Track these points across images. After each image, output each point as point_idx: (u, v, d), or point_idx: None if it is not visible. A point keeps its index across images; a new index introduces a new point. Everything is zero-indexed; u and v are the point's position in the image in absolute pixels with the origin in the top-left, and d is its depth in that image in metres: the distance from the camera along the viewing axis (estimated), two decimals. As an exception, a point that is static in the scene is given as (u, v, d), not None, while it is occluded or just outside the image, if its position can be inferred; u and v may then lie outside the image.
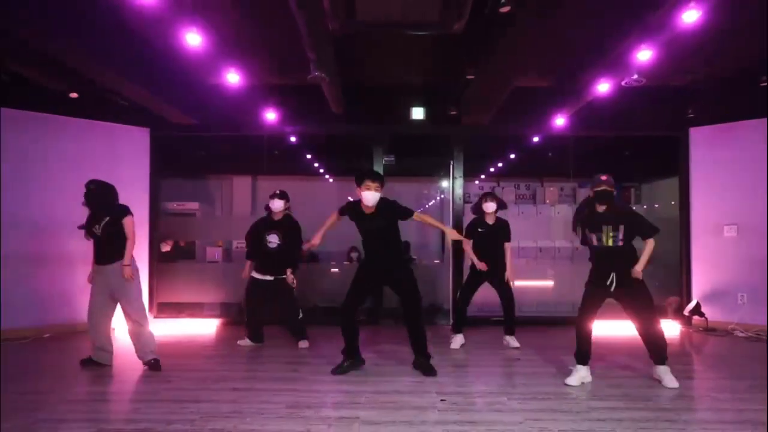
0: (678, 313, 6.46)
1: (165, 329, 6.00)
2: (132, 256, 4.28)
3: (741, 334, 5.88)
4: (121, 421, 3.20)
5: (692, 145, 6.54)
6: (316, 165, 9.28)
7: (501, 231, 5.20)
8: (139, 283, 4.41)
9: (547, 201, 8.29)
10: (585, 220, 3.94)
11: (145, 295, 5.52)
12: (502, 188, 8.37)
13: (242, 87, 5.20)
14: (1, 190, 5.52)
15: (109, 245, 4.22)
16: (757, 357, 4.85)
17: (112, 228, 4.21)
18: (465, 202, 6.82)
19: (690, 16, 3.62)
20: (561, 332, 5.73)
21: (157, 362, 4.29)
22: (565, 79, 5.83)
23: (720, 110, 6.32)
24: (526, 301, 6.69)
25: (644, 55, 4.25)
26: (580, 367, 3.95)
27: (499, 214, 5.24)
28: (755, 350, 5.18)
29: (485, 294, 5.33)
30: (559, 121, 6.25)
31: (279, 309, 5.32)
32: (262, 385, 3.89)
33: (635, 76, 4.49)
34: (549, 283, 6.94)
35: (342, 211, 4.25)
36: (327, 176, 9.81)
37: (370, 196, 3.98)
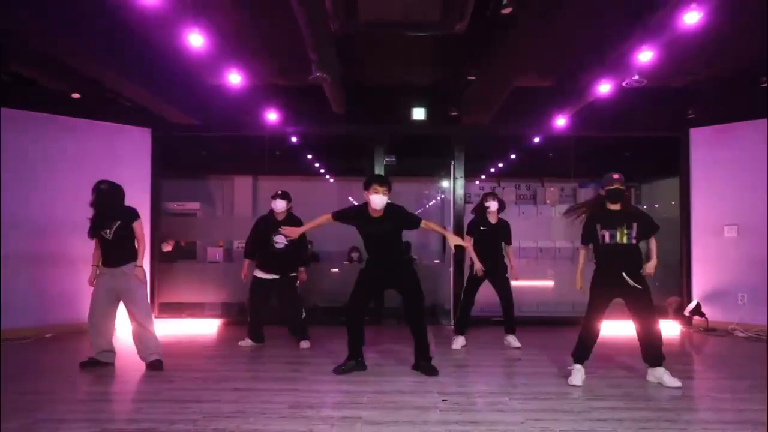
0: (678, 313, 6.47)
1: (166, 329, 6.00)
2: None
3: (741, 335, 5.89)
4: (123, 421, 3.20)
5: (692, 146, 6.56)
6: (317, 165, 9.30)
7: (502, 231, 5.23)
8: (146, 284, 4.42)
9: (548, 201, 8.31)
10: (597, 218, 3.94)
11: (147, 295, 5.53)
12: (503, 188, 8.39)
13: (243, 87, 5.21)
14: (1, 190, 5.53)
15: (119, 248, 4.24)
16: (757, 357, 4.86)
17: (122, 231, 4.23)
18: (466, 202, 6.84)
19: (691, 18, 3.63)
20: (561, 332, 5.74)
21: (159, 362, 4.29)
22: (565, 80, 5.84)
23: (720, 111, 6.33)
24: (527, 301, 6.70)
25: (645, 56, 4.26)
26: (579, 366, 3.96)
27: (500, 214, 5.27)
28: (755, 350, 5.19)
29: (486, 294, 5.34)
30: (560, 121, 6.26)
31: (281, 308, 5.31)
32: (263, 385, 3.90)
33: (636, 77, 4.51)
34: (549, 284, 6.95)
35: (337, 216, 4.19)
36: (328, 176, 9.83)
37: (378, 200, 4.00)
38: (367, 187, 4.05)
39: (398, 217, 4.13)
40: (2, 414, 3.19)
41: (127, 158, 6.33)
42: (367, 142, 6.75)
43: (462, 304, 5.30)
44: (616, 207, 3.89)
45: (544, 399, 3.57)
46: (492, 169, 9.08)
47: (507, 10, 3.48)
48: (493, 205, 5.14)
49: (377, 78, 6.32)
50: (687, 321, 6.36)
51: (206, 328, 6.35)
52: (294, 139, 7.27)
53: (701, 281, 6.44)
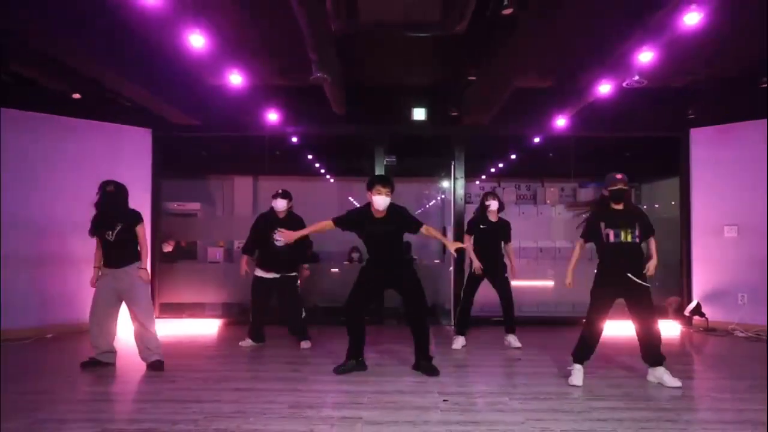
0: (678, 313, 6.48)
1: (167, 329, 6.00)
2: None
3: (741, 335, 5.90)
4: (124, 422, 3.21)
5: (693, 146, 6.56)
6: (317, 165, 9.30)
7: (502, 230, 5.25)
8: (149, 285, 4.42)
9: (548, 201, 8.31)
10: (601, 216, 3.94)
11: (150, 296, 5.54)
12: (503, 188, 8.40)
13: (244, 87, 5.21)
14: (1, 190, 5.53)
15: (121, 249, 4.24)
16: (757, 357, 4.87)
17: (125, 234, 4.24)
18: (466, 202, 6.84)
19: (691, 19, 3.63)
20: (562, 332, 5.75)
21: (160, 363, 4.30)
22: (566, 80, 5.84)
23: (720, 111, 6.33)
24: (527, 301, 6.71)
25: (645, 56, 4.26)
26: (579, 366, 3.96)
27: (500, 214, 5.28)
28: (755, 350, 5.19)
29: (486, 294, 5.35)
30: (560, 121, 6.26)
31: (281, 308, 5.31)
32: (264, 385, 3.91)
33: (636, 78, 4.51)
34: (549, 284, 6.95)
35: (338, 223, 4.19)
36: (328, 176, 9.84)
37: (381, 201, 4.03)
38: (370, 187, 4.07)
39: (400, 218, 4.15)
40: (3, 414, 3.20)
41: (127, 158, 6.33)
42: (368, 142, 6.76)
43: (462, 304, 5.31)
44: (619, 207, 3.91)
45: (545, 399, 3.58)
46: (492, 170, 9.09)
47: (508, 11, 3.48)
48: (493, 204, 5.17)
49: (377, 78, 6.33)
50: (687, 321, 6.37)
51: (207, 328, 6.36)
52: (294, 139, 7.28)
53: (701, 281, 6.44)
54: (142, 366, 4.35)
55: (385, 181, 4.07)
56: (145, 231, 4.38)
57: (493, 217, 5.21)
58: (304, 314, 5.26)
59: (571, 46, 5.08)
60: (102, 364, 4.34)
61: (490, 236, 5.20)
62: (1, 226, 5.52)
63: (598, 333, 3.95)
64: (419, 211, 9.86)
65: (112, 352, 4.40)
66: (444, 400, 3.53)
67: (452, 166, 6.74)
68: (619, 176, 3.87)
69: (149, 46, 5.01)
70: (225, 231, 7.66)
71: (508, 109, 6.11)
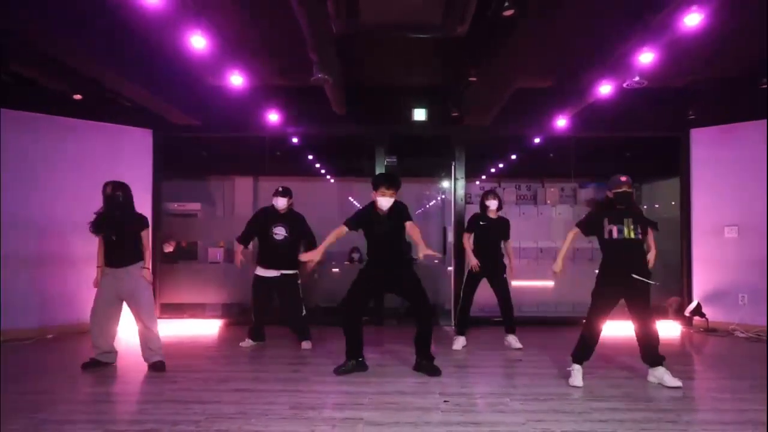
0: (679, 313, 6.48)
1: (168, 330, 6.01)
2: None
3: (741, 335, 5.90)
4: (125, 422, 3.21)
5: (693, 146, 6.56)
6: (317, 166, 9.30)
7: (502, 227, 5.26)
8: (151, 286, 4.42)
9: (548, 201, 8.30)
10: (605, 213, 3.95)
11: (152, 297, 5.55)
12: (503, 188, 8.39)
13: (244, 88, 5.21)
14: (1, 190, 5.53)
15: (124, 249, 4.25)
16: (757, 357, 4.87)
17: (129, 235, 4.26)
18: (466, 202, 6.84)
19: (692, 20, 3.63)
20: (562, 332, 5.75)
21: (161, 364, 4.30)
22: (566, 81, 5.84)
23: (721, 111, 6.34)
24: (527, 302, 6.71)
25: (646, 57, 4.26)
26: (578, 366, 3.97)
27: (500, 212, 5.31)
28: (756, 351, 5.20)
29: (487, 294, 5.35)
30: (561, 122, 6.26)
31: (281, 307, 5.31)
32: (265, 386, 3.91)
33: (637, 78, 4.51)
34: (550, 284, 6.95)
35: (351, 225, 4.20)
36: (328, 177, 9.84)
37: (385, 202, 4.08)
38: (375, 188, 4.11)
39: (399, 213, 4.17)
40: (3, 415, 3.20)
41: (127, 159, 6.33)
42: (368, 143, 6.76)
43: (461, 303, 5.32)
44: (622, 206, 3.93)
45: (545, 400, 3.59)
46: (492, 170, 9.09)
47: (508, 12, 3.48)
48: (492, 203, 5.19)
49: (378, 78, 6.33)
50: (687, 321, 6.37)
51: (207, 328, 6.36)
52: (295, 140, 7.28)
53: (702, 282, 6.44)
54: (143, 366, 4.36)
55: (390, 183, 4.10)
56: (149, 235, 4.42)
57: (492, 215, 5.23)
58: (304, 312, 5.25)
59: (571, 47, 5.08)
60: (102, 365, 4.35)
61: (489, 233, 5.22)
62: (1, 226, 5.52)
63: (598, 333, 3.95)
64: (419, 211, 9.86)
65: (113, 352, 4.41)
66: (445, 401, 3.54)
67: (452, 167, 6.74)
68: (623, 178, 3.90)
69: (149, 46, 5.01)
70: (225, 231, 7.63)
71: (509, 110, 6.11)
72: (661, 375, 3.90)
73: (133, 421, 3.21)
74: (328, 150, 8.66)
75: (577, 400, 3.59)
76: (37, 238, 5.73)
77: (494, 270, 5.21)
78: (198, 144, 7.73)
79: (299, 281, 5.24)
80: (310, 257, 4.19)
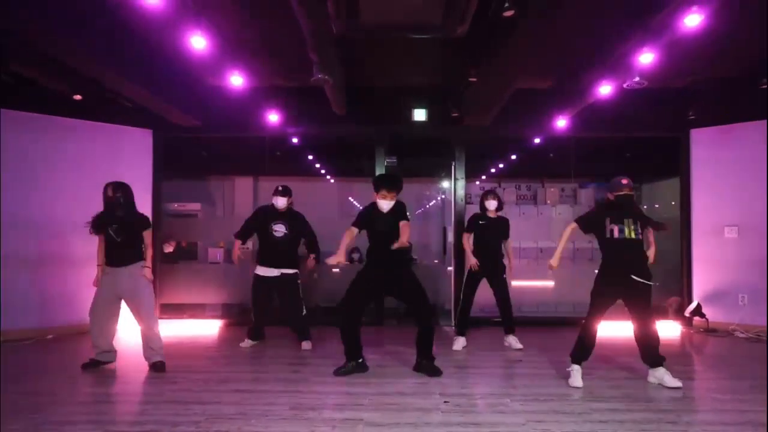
0: (679, 313, 6.48)
1: (168, 330, 6.01)
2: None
3: (742, 335, 5.90)
4: (125, 423, 3.21)
5: (693, 147, 6.56)
6: (317, 166, 9.30)
7: (501, 226, 5.26)
8: (151, 285, 4.42)
9: (548, 201, 8.30)
10: (607, 212, 3.96)
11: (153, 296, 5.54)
12: (503, 189, 8.39)
13: (244, 88, 5.21)
14: (1, 190, 5.53)
15: (125, 248, 4.26)
16: (757, 358, 4.88)
17: (131, 235, 4.27)
18: (466, 203, 6.84)
19: (692, 20, 3.63)
20: (562, 333, 5.75)
21: (162, 364, 4.31)
22: (566, 81, 5.84)
23: (721, 112, 6.34)
24: (527, 302, 6.71)
25: (646, 58, 4.26)
26: (578, 366, 3.98)
27: (499, 212, 5.32)
28: (756, 351, 5.20)
29: (487, 295, 5.35)
30: (561, 122, 6.26)
31: (281, 307, 5.30)
32: (265, 386, 3.91)
33: (637, 79, 4.51)
34: (550, 284, 6.95)
35: (357, 225, 4.23)
36: (328, 177, 9.84)
37: (385, 205, 4.13)
38: (376, 190, 4.16)
39: (397, 213, 4.19)
40: (4, 415, 3.20)
41: (127, 159, 6.33)
42: (368, 143, 6.76)
43: (461, 304, 5.32)
44: (623, 209, 3.94)
45: (545, 400, 3.59)
46: (492, 170, 9.09)
47: (508, 13, 3.48)
48: (491, 204, 5.21)
49: (378, 78, 6.33)
50: (687, 322, 6.37)
51: (207, 329, 6.37)
52: (295, 140, 7.28)
53: (702, 282, 6.45)
54: (143, 367, 4.36)
55: (391, 186, 4.13)
56: (152, 235, 4.43)
57: (492, 215, 5.24)
58: (304, 311, 5.25)
59: (571, 47, 5.08)
60: (102, 364, 4.35)
61: (489, 233, 5.22)
62: (1, 226, 5.52)
63: (594, 333, 3.96)
64: (419, 211, 9.87)
65: (112, 351, 4.41)
66: (445, 402, 3.54)
67: (452, 167, 6.74)
68: (624, 181, 3.91)
69: (149, 46, 5.01)
70: (225, 232, 7.61)
71: (509, 110, 6.11)
72: (661, 375, 3.90)
73: (133, 422, 3.21)
74: (328, 150, 8.66)
75: (577, 401, 3.59)
76: (37, 238, 5.73)
77: (494, 270, 5.22)
78: (198, 144, 7.73)
79: (299, 281, 5.24)
80: (335, 260, 4.15)
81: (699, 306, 6.28)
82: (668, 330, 6.16)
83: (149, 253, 4.39)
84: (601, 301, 3.94)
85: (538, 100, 6.33)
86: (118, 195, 4.22)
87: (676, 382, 3.82)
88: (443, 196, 9.33)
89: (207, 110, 6.32)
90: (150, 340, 4.31)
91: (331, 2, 3.97)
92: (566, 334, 5.20)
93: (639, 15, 4.04)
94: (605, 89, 5.09)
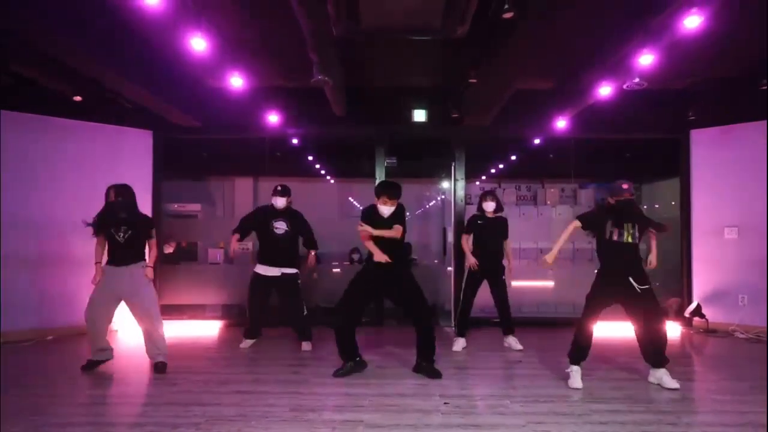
0: (679, 314, 6.48)
1: (167, 331, 5.98)
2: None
3: (742, 336, 5.90)
4: (125, 425, 3.22)
5: (693, 147, 6.57)
6: (317, 166, 9.30)
7: (500, 226, 5.26)
8: (152, 283, 4.41)
9: (548, 202, 8.30)
10: (610, 214, 3.96)
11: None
12: (503, 189, 8.39)
13: (244, 89, 5.21)
14: (1, 191, 5.53)
15: (128, 248, 4.26)
16: (757, 358, 4.88)
17: (135, 236, 4.28)
18: (466, 203, 6.84)
19: (691, 22, 3.63)
20: (562, 333, 5.73)
21: (163, 365, 4.31)
22: (566, 82, 5.84)
23: (721, 112, 6.34)
24: (527, 302, 6.71)
25: (646, 59, 4.26)
26: (576, 367, 3.98)
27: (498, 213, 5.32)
28: (756, 351, 5.20)
29: (488, 295, 5.34)
30: (561, 123, 6.27)
31: (282, 307, 5.30)
32: (265, 387, 3.91)
33: (637, 80, 4.51)
34: (550, 284, 6.95)
35: (364, 222, 4.26)
36: (328, 177, 9.84)
37: (386, 210, 4.18)
38: (377, 196, 4.21)
39: (396, 216, 4.22)
40: (4, 417, 3.20)
41: (128, 160, 6.33)
42: (368, 144, 6.76)
43: (461, 305, 5.32)
44: (624, 212, 3.94)
45: (546, 402, 3.59)
46: (492, 170, 9.09)
47: (508, 15, 3.48)
48: (489, 206, 5.20)
49: (378, 79, 6.33)
50: (687, 322, 6.37)
51: (207, 329, 6.36)
52: (295, 141, 7.28)
53: (702, 282, 6.45)
54: (143, 368, 4.36)
55: (391, 193, 4.17)
56: (155, 236, 4.46)
57: (490, 215, 5.24)
58: (305, 311, 5.25)
59: (571, 48, 5.08)
60: (100, 363, 4.34)
61: (488, 233, 5.22)
62: (1, 227, 5.52)
63: (589, 333, 3.97)
64: (419, 211, 9.87)
65: (109, 349, 4.38)
66: (445, 403, 3.54)
67: (452, 167, 6.74)
68: (625, 186, 3.92)
69: (150, 46, 5.01)
70: (225, 232, 7.57)
71: (509, 111, 6.12)
72: (660, 376, 3.91)
73: (133, 424, 3.21)
74: (328, 151, 8.67)
75: (577, 402, 3.59)
76: (37, 238, 5.73)
77: (494, 270, 5.21)
78: (198, 145, 7.73)
79: (299, 281, 5.25)
80: (383, 259, 4.11)
81: (699, 306, 6.28)
82: (668, 331, 6.15)
83: (153, 253, 4.40)
84: (597, 302, 3.95)
85: (538, 101, 6.33)
86: (121, 197, 4.22)
87: (674, 384, 3.82)
88: (443, 197, 9.33)
89: (207, 111, 6.32)
90: (155, 340, 4.31)
91: (331, 4, 3.97)
92: (566, 334, 5.18)
93: (639, 16, 4.05)
94: (605, 90, 5.09)
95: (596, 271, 4.08)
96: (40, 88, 5.57)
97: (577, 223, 4.08)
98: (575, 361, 3.99)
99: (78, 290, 5.52)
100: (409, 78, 6.31)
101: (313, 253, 5.37)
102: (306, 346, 5.18)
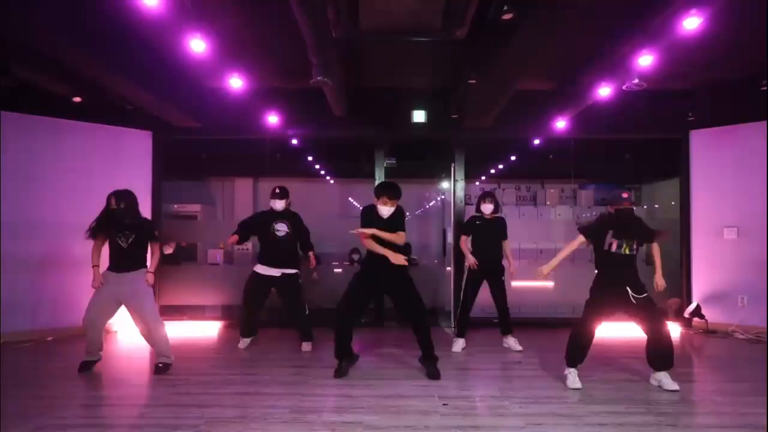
0: (678, 315, 6.48)
1: (167, 332, 6.00)
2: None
3: (741, 336, 5.90)
4: (125, 427, 3.22)
5: (693, 148, 6.57)
6: (317, 167, 9.31)
7: (498, 226, 5.27)
8: (151, 289, 4.41)
9: (548, 203, 8.30)
10: (611, 225, 3.97)
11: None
12: (503, 190, 8.39)
13: (244, 90, 5.22)
14: (1, 192, 5.54)
15: (132, 255, 4.27)
16: (757, 359, 4.88)
17: (138, 241, 4.29)
18: (466, 204, 6.84)
19: (691, 23, 3.64)
20: (562, 334, 5.72)
21: (166, 366, 4.31)
22: (566, 83, 5.84)
23: (720, 113, 6.34)
24: (527, 303, 6.70)
25: (645, 60, 4.26)
26: (574, 370, 3.99)
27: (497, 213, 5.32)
28: (755, 352, 5.20)
29: (488, 296, 5.34)
30: (560, 123, 6.27)
31: (284, 307, 5.29)
32: (265, 389, 3.91)
33: (636, 81, 4.51)
34: (549, 285, 6.94)
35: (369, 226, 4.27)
36: (328, 178, 9.85)
37: (385, 211, 4.18)
38: (377, 197, 4.21)
39: (394, 221, 4.22)
40: (4, 418, 3.20)
41: (127, 160, 6.34)
42: (368, 145, 6.76)
43: (462, 306, 5.32)
44: (624, 223, 3.96)
45: (545, 403, 3.59)
46: (492, 171, 9.10)
47: (507, 16, 3.49)
48: (487, 208, 5.20)
49: (378, 80, 6.33)
50: (687, 323, 6.38)
51: (207, 330, 6.37)
52: (294, 141, 7.28)
53: (701, 283, 6.45)
54: (143, 369, 4.37)
55: (391, 194, 4.17)
56: (159, 237, 4.47)
57: (488, 216, 5.23)
58: (307, 311, 5.26)
59: (570, 49, 5.08)
60: (95, 362, 4.36)
61: (486, 233, 5.22)
62: (0, 228, 5.53)
63: (591, 337, 3.97)
64: (419, 212, 9.87)
65: (101, 350, 4.39)
66: (444, 404, 3.54)
67: (452, 168, 6.74)
68: (625, 195, 3.94)
69: (150, 48, 5.01)
70: (225, 233, 7.59)
71: (509, 111, 6.11)
72: (660, 378, 3.92)
73: (132, 425, 3.22)
74: (328, 151, 8.67)
75: (577, 404, 3.59)
76: (36, 240, 5.73)
77: (494, 271, 5.21)
78: (198, 145, 7.73)
79: (300, 280, 5.25)
80: (399, 261, 4.12)
81: (698, 307, 6.29)
82: (671, 333, 6.15)
83: (156, 256, 4.42)
84: (596, 310, 3.96)
85: (538, 101, 6.34)
86: (123, 203, 4.20)
87: (673, 386, 3.83)
88: (443, 197, 9.33)
89: (207, 112, 6.32)
90: (155, 342, 4.32)
91: (331, 6, 3.97)
92: (566, 335, 5.20)
93: (638, 17, 4.05)
94: (605, 91, 5.09)
95: (594, 278, 4.08)
96: (40, 89, 5.57)
97: (581, 239, 4.09)
98: (571, 363, 4.00)
99: (78, 291, 5.53)
100: (409, 78, 6.31)
101: (312, 254, 5.38)
102: (306, 346, 5.18)
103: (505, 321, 5.27)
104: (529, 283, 6.76)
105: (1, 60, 5.02)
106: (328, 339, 5.44)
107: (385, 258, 4.15)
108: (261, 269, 5.16)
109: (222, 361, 4.90)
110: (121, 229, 4.22)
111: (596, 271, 4.07)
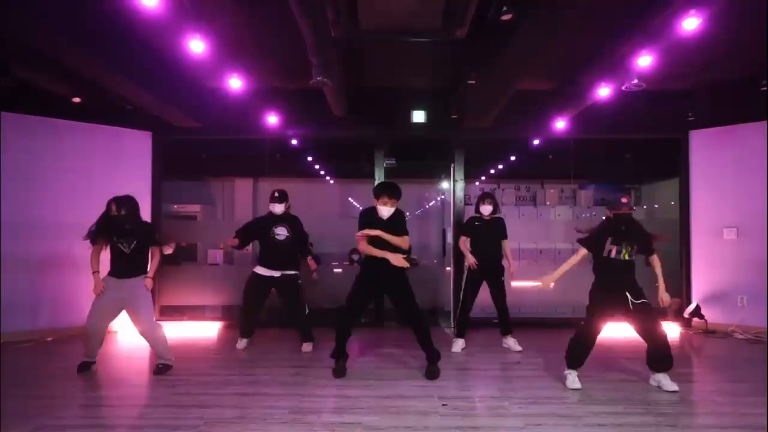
0: (678, 315, 6.48)
1: (167, 332, 6.00)
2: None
3: (741, 337, 5.90)
4: (125, 427, 3.22)
5: (692, 148, 6.57)
6: (317, 167, 9.31)
7: (497, 226, 5.26)
8: (150, 293, 4.40)
9: (548, 203, 8.31)
10: (610, 232, 3.97)
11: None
12: (503, 190, 8.39)
13: (244, 90, 5.22)
14: (1, 192, 5.54)
15: (134, 261, 4.28)
16: (757, 359, 4.88)
17: (140, 247, 4.29)
18: (466, 204, 6.84)
19: (690, 23, 3.64)
20: (561, 334, 5.73)
21: (166, 367, 4.32)
22: (565, 83, 5.84)
23: (720, 113, 6.34)
24: (527, 303, 6.70)
25: (645, 60, 4.26)
26: (574, 371, 3.99)
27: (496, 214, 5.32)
28: (755, 352, 5.20)
29: (488, 296, 5.34)
30: (560, 124, 6.27)
31: (284, 308, 5.29)
32: (265, 389, 3.91)
33: (636, 81, 4.51)
34: (549, 285, 6.93)
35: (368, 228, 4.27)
36: (328, 178, 9.85)
37: (385, 211, 4.18)
38: (377, 197, 4.20)
39: (395, 223, 4.22)
40: (4, 419, 3.21)
41: (127, 161, 6.34)
42: (368, 145, 6.76)
43: (462, 306, 5.32)
44: (623, 227, 3.96)
45: (544, 403, 3.59)
46: (492, 171, 9.10)
47: (507, 16, 3.49)
48: (486, 209, 5.20)
49: (377, 80, 6.33)
50: (686, 323, 6.37)
51: (207, 330, 6.37)
52: (294, 141, 7.28)
53: (701, 283, 6.45)
54: (143, 370, 4.37)
55: (391, 194, 4.17)
56: (160, 240, 4.48)
57: (487, 216, 5.23)
58: (307, 311, 5.26)
59: (570, 50, 5.08)
60: (93, 363, 4.36)
61: (485, 233, 5.22)
62: (1, 228, 5.53)
63: (593, 340, 3.98)
64: (419, 212, 9.87)
65: (98, 353, 4.40)
66: (443, 405, 3.54)
67: (452, 169, 6.74)
68: (624, 200, 3.94)
69: (150, 48, 5.01)
70: (225, 233, 7.59)
71: (508, 111, 6.11)
72: (660, 378, 3.92)
73: (132, 426, 3.22)
74: (328, 151, 8.67)
75: (576, 404, 3.59)
76: (36, 240, 5.73)
77: (493, 271, 5.21)
78: (198, 146, 7.73)
79: (300, 281, 5.25)
80: (401, 263, 4.13)
81: (698, 307, 6.29)
82: (667, 331, 6.16)
83: (156, 260, 4.42)
84: (599, 317, 3.96)
85: (538, 102, 6.33)
86: (124, 209, 4.18)
87: (673, 386, 3.83)
88: (442, 198, 9.33)
89: (207, 112, 6.32)
90: (155, 343, 4.32)
91: (330, 6, 3.97)
92: (565, 336, 5.19)
93: (638, 17, 4.04)
94: (604, 91, 5.09)
95: (592, 283, 4.08)
96: (39, 90, 5.57)
97: (584, 251, 4.10)
98: (571, 365, 4.00)
99: (78, 291, 5.53)
100: (409, 79, 6.31)
101: (310, 259, 5.39)
102: (306, 347, 5.18)
103: (505, 321, 5.27)
104: (528, 283, 6.75)
105: (1, 60, 5.02)
106: (328, 339, 5.47)
107: (384, 258, 4.15)
108: (261, 270, 5.17)
109: (222, 361, 4.90)
110: (122, 235, 4.22)
111: (594, 276, 4.07)
